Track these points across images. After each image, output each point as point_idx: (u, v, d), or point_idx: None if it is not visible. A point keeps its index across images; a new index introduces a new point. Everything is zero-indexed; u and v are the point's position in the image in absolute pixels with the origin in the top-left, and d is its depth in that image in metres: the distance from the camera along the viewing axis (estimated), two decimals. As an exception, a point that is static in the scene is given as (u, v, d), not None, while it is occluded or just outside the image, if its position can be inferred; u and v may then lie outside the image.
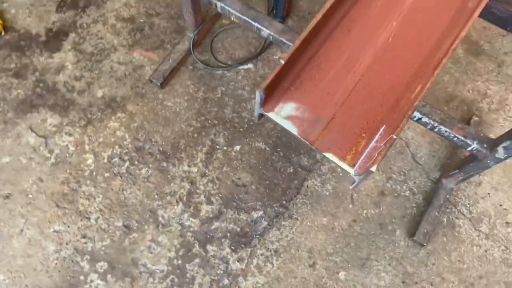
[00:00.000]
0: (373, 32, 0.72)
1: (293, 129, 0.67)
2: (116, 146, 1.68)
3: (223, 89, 1.78)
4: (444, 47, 0.70)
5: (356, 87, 0.69)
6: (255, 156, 1.69)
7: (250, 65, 1.83)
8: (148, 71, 1.78)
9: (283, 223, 1.61)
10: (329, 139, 0.66)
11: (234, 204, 1.63)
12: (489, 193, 1.69)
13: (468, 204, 1.67)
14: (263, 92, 0.64)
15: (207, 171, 1.66)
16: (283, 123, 0.67)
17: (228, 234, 1.59)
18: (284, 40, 1.45)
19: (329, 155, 0.65)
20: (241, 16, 1.47)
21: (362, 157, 0.65)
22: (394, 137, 0.62)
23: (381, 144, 0.65)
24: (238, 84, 1.80)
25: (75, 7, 1.86)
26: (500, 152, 1.29)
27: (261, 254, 1.57)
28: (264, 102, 0.66)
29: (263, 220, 1.61)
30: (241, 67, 1.82)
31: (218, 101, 1.76)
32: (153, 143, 1.69)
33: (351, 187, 0.67)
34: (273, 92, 0.67)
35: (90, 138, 1.68)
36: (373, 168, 0.60)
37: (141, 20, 1.86)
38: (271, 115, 0.67)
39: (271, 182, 1.66)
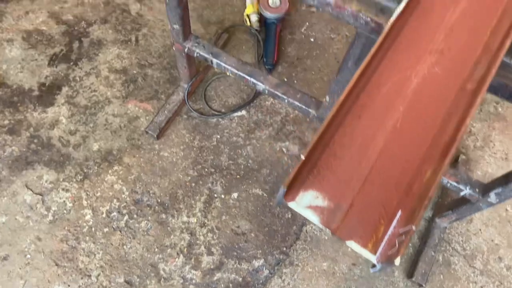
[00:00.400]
0: (382, 118, 0.76)
1: (315, 219, 0.69)
2: (114, 200, 1.67)
3: (218, 136, 1.81)
4: (448, 131, 0.75)
5: (370, 173, 0.73)
6: (253, 203, 1.72)
7: (243, 112, 1.86)
8: (144, 122, 1.80)
9: (284, 270, 1.63)
10: (350, 227, 0.69)
11: (235, 253, 1.64)
12: (480, 229, 1.75)
13: (462, 241, 1.72)
14: (286, 187, 0.67)
15: (206, 221, 1.67)
16: (305, 213, 0.70)
17: (231, 285, 1.60)
18: (279, 94, 1.50)
19: (351, 244, 0.68)
20: (236, 72, 1.51)
21: (382, 244, 0.68)
22: (414, 228, 0.65)
23: (399, 230, 0.68)
24: (232, 131, 1.83)
25: (67, 61, 1.87)
26: (492, 197, 1.35)
27: (265, 303, 1.58)
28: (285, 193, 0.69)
29: (264, 269, 1.63)
30: (234, 114, 1.85)
31: (214, 149, 1.79)
32: (151, 195, 1.70)
33: (371, 271, 0.70)
34: (293, 183, 0.70)
35: (88, 193, 1.68)
36: (397, 261, 0.63)
37: (134, 71, 1.88)
38: (291, 205, 0.70)
39: (270, 229, 1.68)
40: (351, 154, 0.74)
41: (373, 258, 0.67)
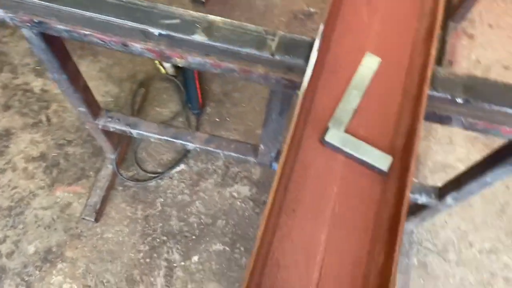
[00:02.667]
0: (317, 206, 0.68)
1: None
2: (67, 302, 1.52)
3: (162, 200, 1.69)
4: (390, 202, 0.68)
5: (321, 276, 0.65)
6: (217, 261, 1.61)
7: (182, 166, 1.75)
8: (78, 207, 1.65)
9: (265, 322, 1.54)
10: None
11: (211, 320, 1.54)
12: (446, 221, 1.73)
13: (431, 237, 1.70)
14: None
15: (172, 295, 1.56)
16: None
17: None
18: (211, 149, 1.40)
19: None
20: (160, 137, 1.40)
21: None
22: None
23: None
24: (175, 189, 1.71)
25: (-24, 162, 1.68)
26: (449, 201, 1.32)
27: None
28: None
29: (245, 327, 1.53)
30: (173, 171, 1.74)
31: (161, 215, 1.67)
32: (105, 284, 1.55)
33: None
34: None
35: (35, 303, 1.51)
36: None
37: (54, 154, 1.72)
38: None
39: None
40: (295, 260, 0.65)
41: None
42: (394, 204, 0.67)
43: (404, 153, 0.70)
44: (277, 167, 0.67)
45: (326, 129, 0.72)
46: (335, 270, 0.65)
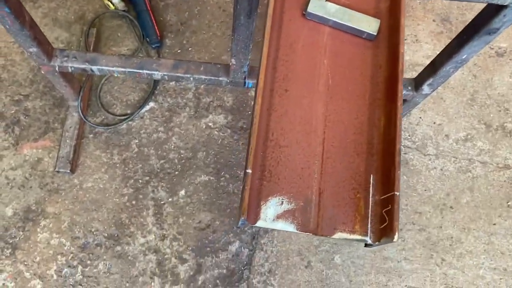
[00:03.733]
0: (310, 82, 0.65)
1: (289, 227, 0.59)
2: (59, 257, 1.48)
3: (137, 141, 1.63)
4: (383, 63, 0.66)
5: (324, 148, 0.63)
6: (204, 192, 1.60)
7: (151, 104, 1.68)
8: (50, 161, 1.57)
9: (262, 241, 1.56)
10: (329, 218, 0.60)
11: (208, 249, 1.54)
12: (420, 117, 1.76)
13: (409, 135, 1.73)
14: (245, 215, 0.55)
15: (164, 232, 1.54)
16: (276, 226, 0.59)
17: (218, 281, 1.51)
18: (181, 75, 1.34)
19: (338, 235, 0.59)
20: (124, 70, 1.32)
21: (369, 220, 0.60)
22: (397, 193, 0.57)
23: (380, 198, 0.60)
24: (149, 129, 1.65)
25: None
26: (426, 89, 1.32)
27: (258, 282, 1.52)
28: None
29: (243, 249, 1.55)
30: (142, 110, 1.66)
31: (138, 156, 1.61)
32: (94, 233, 1.52)
33: (369, 248, 0.62)
34: (249, 200, 0.58)
35: (25, 263, 1.47)
36: (395, 238, 0.55)
37: (12, 112, 1.61)
38: (260, 224, 0.59)
39: (232, 208, 1.59)
40: (296, 137, 0.63)
41: (367, 240, 0.59)
42: (387, 66, 0.65)
43: (391, 14, 0.67)
44: (263, 45, 0.62)
45: (307, 2, 0.67)
46: (338, 140, 0.63)
